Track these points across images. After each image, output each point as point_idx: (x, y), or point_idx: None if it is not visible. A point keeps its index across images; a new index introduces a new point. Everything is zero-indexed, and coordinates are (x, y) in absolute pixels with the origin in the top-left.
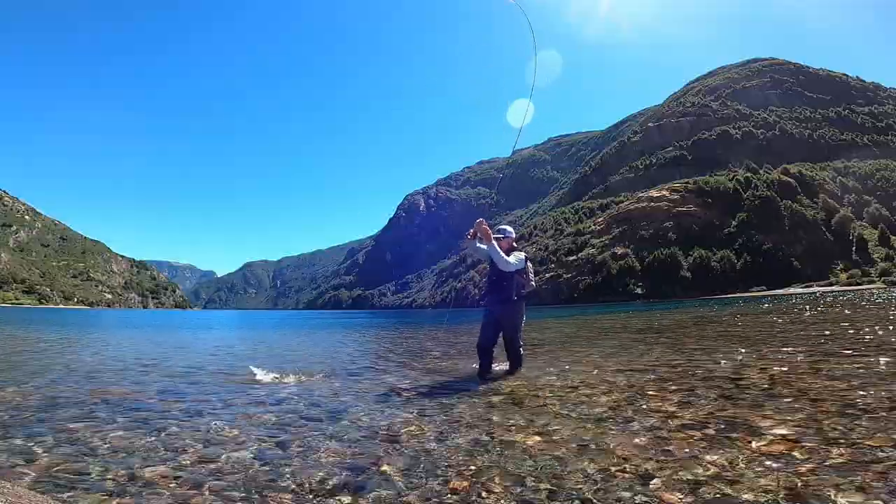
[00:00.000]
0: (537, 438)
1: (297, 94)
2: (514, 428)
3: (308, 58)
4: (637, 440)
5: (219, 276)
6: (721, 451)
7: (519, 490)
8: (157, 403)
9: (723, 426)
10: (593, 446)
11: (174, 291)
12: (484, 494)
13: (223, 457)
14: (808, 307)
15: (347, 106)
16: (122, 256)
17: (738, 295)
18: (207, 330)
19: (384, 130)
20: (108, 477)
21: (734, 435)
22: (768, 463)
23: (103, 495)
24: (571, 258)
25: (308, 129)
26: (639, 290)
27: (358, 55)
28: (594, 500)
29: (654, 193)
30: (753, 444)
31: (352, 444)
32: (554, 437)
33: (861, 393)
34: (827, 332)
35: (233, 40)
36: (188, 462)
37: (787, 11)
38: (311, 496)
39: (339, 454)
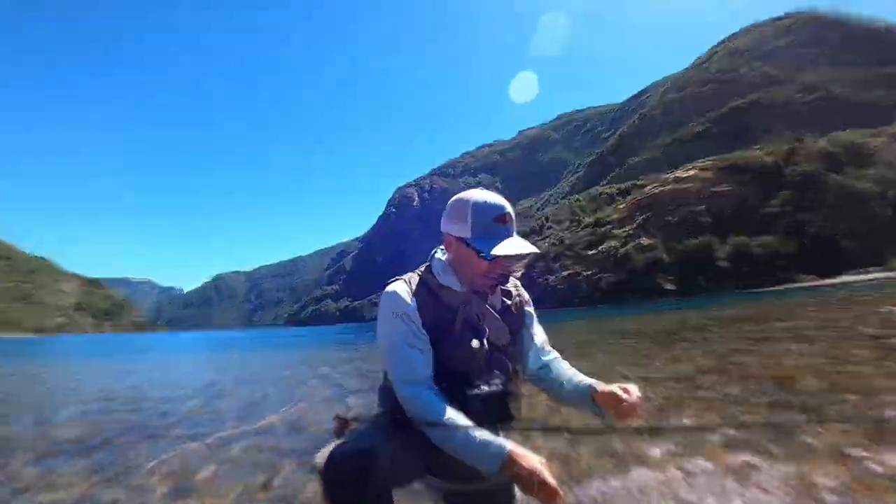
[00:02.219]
0: (556, 463)
1: (267, 77)
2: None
3: (275, 35)
4: (672, 458)
5: (186, 291)
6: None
7: None
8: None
9: (769, 443)
10: (623, 465)
11: (134, 312)
12: None
13: None
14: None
15: (326, 92)
16: (73, 275)
17: (783, 287)
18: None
19: (368, 118)
20: None
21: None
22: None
23: None
24: (591, 252)
25: (280, 120)
26: (670, 286)
27: (334, 28)
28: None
29: (681, 174)
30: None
31: None
32: (579, 461)
33: None
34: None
35: (202, 39)
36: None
37: None
38: None
39: None
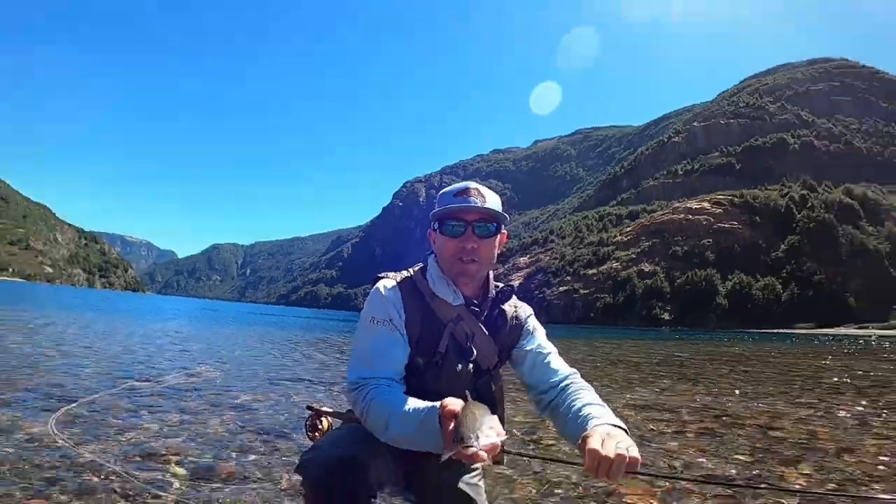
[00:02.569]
0: (534, 484)
1: (294, 63)
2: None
3: (311, 28)
4: (653, 489)
5: (179, 257)
6: None
7: None
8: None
9: (750, 483)
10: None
11: (126, 271)
12: None
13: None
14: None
15: (346, 74)
16: (70, 225)
17: (781, 331)
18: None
19: (387, 108)
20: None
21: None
22: None
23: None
24: (591, 271)
25: (296, 97)
26: (666, 316)
27: (367, 30)
28: None
29: (693, 205)
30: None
31: None
32: (556, 486)
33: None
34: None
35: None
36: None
37: (864, 10)
38: None
39: None
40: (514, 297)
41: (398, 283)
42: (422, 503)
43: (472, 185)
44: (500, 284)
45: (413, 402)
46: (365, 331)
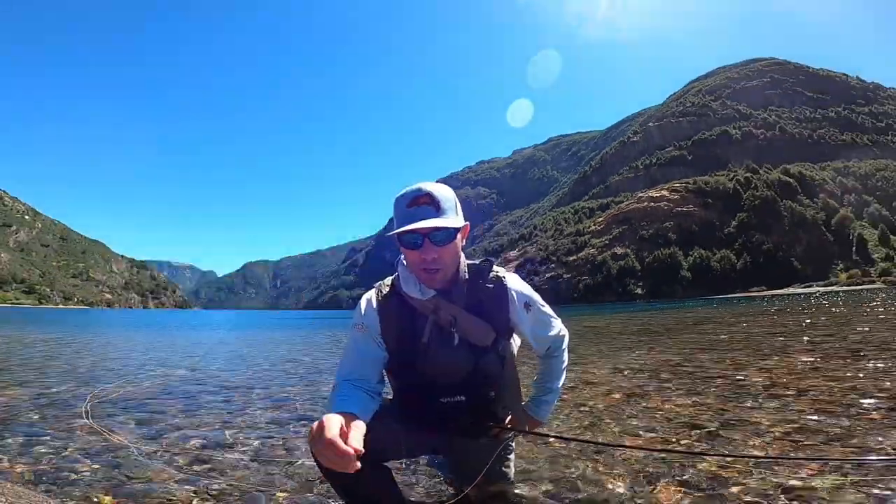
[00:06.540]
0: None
1: (300, 95)
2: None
3: (310, 60)
4: (638, 440)
5: (219, 276)
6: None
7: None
8: (158, 404)
9: (723, 425)
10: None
11: (174, 291)
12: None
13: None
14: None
15: (350, 107)
16: (122, 256)
17: (738, 295)
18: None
19: (387, 131)
20: (104, 476)
21: (734, 434)
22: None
23: (101, 495)
24: (571, 258)
25: (311, 130)
26: (639, 291)
27: (361, 58)
28: (594, 502)
29: (654, 193)
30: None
31: None
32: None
33: (860, 397)
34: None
35: (237, 40)
36: (186, 462)
37: (788, 11)
38: None
39: None
40: (493, 270)
41: (379, 291)
42: (459, 478)
43: (424, 189)
44: (476, 262)
45: (335, 410)
46: (350, 335)
